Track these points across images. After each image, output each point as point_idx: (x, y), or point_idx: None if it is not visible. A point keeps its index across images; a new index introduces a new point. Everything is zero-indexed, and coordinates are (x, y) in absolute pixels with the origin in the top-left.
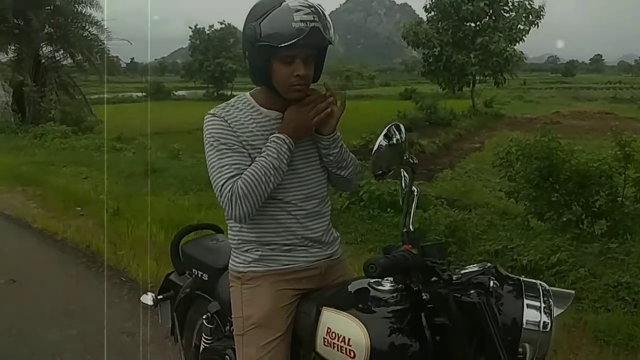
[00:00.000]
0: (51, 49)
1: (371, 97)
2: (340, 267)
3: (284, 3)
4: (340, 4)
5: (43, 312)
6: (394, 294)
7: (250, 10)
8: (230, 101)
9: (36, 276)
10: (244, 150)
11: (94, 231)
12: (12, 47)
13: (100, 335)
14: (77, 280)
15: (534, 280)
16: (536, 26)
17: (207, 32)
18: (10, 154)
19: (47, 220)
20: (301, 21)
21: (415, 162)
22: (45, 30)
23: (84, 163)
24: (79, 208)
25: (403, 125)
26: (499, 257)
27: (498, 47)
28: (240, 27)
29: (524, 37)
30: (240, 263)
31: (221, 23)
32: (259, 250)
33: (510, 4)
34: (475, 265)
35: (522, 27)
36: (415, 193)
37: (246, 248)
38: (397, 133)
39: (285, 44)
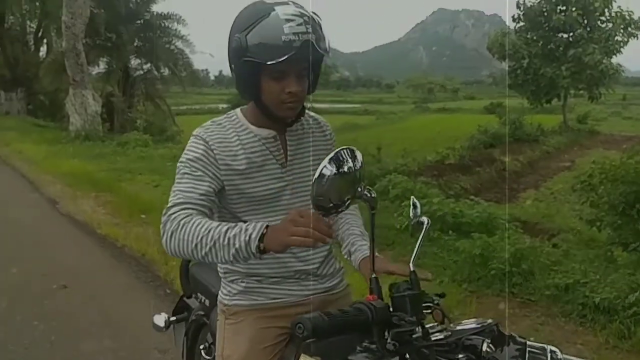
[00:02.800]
0: (139, 61)
1: (453, 111)
2: (342, 303)
3: (273, 12)
4: (427, 16)
5: (84, 320)
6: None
7: (237, 17)
8: (217, 119)
9: (87, 283)
10: (209, 176)
11: (152, 240)
12: (104, 60)
13: (134, 350)
14: (124, 289)
15: (543, 345)
16: (636, 38)
17: None
18: (94, 160)
19: (112, 226)
20: (292, 34)
21: (372, 195)
22: (135, 44)
23: (158, 171)
24: (144, 216)
25: (358, 151)
26: (569, 292)
27: (592, 60)
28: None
29: (621, 49)
30: (226, 295)
31: None
32: (244, 282)
33: (607, 14)
34: (473, 321)
35: (619, 38)
36: (425, 224)
37: (232, 278)
38: (349, 160)
39: (274, 61)
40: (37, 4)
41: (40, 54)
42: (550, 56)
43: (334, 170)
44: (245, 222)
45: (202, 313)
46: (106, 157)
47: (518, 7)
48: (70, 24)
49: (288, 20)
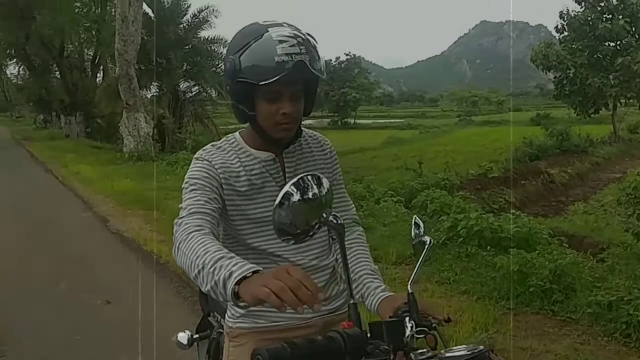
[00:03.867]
0: (188, 84)
1: (498, 123)
2: None
3: (266, 33)
4: (469, 29)
5: (120, 338)
6: None
7: (232, 40)
8: (217, 143)
9: (128, 299)
10: (216, 192)
11: None
12: (155, 84)
13: None
14: (162, 306)
15: None
16: None
17: (333, 63)
18: (145, 180)
19: (157, 243)
20: (285, 54)
21: (339, 222)
22: (184, 68)
23: None
24: None
25: (325, 178)
26: (612, 310)
27: None
28: (366, 57)
29: None
30: (230, 317)
31: (347, 54)
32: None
33: None
34: (464, 347)
35: None
36: (427, 244)
37: None
38: (314, 186)
39: (266, 81)
40: (94, 32)
41: (97, 79)
42: (597, 65)
43: (298, 197)
44: (249, 244)
45: (221, 331)
46: (157, 176)
47: (561, 17)
48: (122, 50)
49: (281, 42)
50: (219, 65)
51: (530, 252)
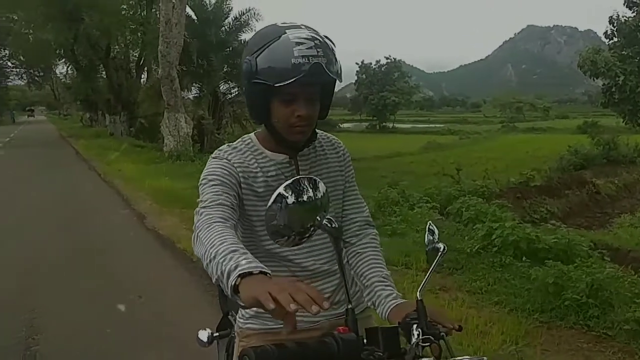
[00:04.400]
0: (228, 86)
1: (544, 131)
2: (361, 324)
3: (284, 35)
4: (515, 33)
5: (149, 333)
6: None
7: (249, 41)
8: (233, 144)
9: (159, 294)
10: (235, 189)
11: None
12: (196, 85)
13: None
14: (192, 303)
15: None
16: None
17: (374, 66)
18: (183, 178)
19: (189, 241)
20: (302, 57)
21: (334, 226)
22: (224, 70)
23: None
24: None
25: (321, 182)
26: None
27: None
28: (407, 61)
29: None
30: (240, 318)
31: (387, 58)
32: None
33: None
34: (468, 357)
35: None
36: (441, 251)
37: None
38: (309, 189)
39: (282, 83)
40: (139, 34)
41: (142, 80)
42: None
43: (292, 199)
44: (262, 245)
45: None
46: (194, 175)
47: (611, 22)
48: (165, 52)
49: (298, 44)
50: None
51: (568, 264)
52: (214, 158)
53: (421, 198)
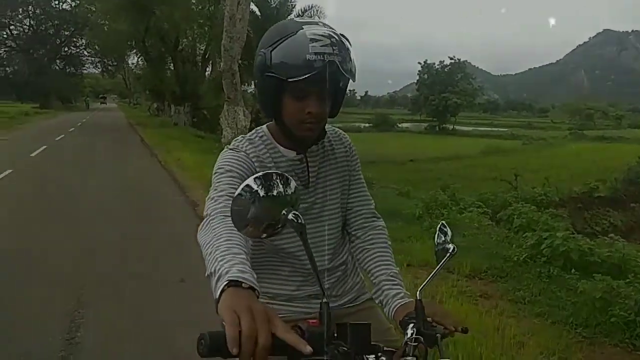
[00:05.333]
0: None
1: (614, 140)
2: (358, 317)
3: (300, 31)
4: (590, 37)
5: (186, 314)
6: None
7: (266, 34)
8: (247, 135)
9: (200, 278)
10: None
11: None
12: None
13: None
14: None
15: None
16: None
17: (437, 67)
18: None
19: None
20: (316, 53)
21: (301, 222)
22: None
23: None
24: None
25: (292, 180)
26: None
27: None
28: (473, 62)
29: None
30: None
31: (451, 58)
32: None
33: None
34: None
35: None
36: (450, 252)
37: None
38: (279, 185)
39: (295, 78)
40: (206, 29)
41: (206, 73)
42: None
43: (262, 192)
44: (274, 242)
45: None
46: None
47: None
48: (228, 47)
49: (314, 40)
50: None
51: (619, 280)
52: (230, 149)
53: (473, 203)
